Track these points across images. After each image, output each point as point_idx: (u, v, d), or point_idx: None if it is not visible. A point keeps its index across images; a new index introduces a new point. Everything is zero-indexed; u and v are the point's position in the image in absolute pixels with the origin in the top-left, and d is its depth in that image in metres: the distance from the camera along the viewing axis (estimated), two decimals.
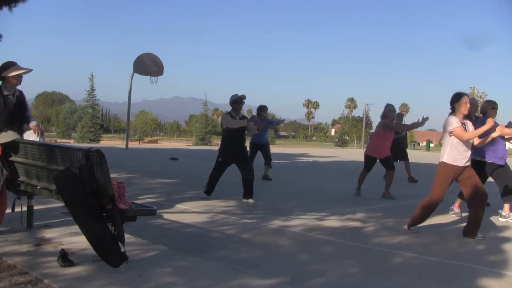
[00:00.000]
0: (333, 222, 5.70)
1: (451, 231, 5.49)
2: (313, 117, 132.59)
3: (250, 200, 6.86)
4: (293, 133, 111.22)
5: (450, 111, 5.24)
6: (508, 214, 6.28)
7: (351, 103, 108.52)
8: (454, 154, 5.05)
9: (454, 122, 5.04)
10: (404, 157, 11.33)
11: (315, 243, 4.63)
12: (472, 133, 5.03)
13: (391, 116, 8.01)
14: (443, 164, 5.12)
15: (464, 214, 6.32)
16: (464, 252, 4.53)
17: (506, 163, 6.37)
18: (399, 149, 11.44)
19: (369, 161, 8.07)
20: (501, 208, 6.55)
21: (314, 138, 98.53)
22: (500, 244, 4.87)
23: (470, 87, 46.16)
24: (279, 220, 5.61)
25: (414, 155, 12.15)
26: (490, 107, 6.39)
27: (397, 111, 12.20)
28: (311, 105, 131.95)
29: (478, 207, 5.03)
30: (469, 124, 5.25)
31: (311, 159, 20.72)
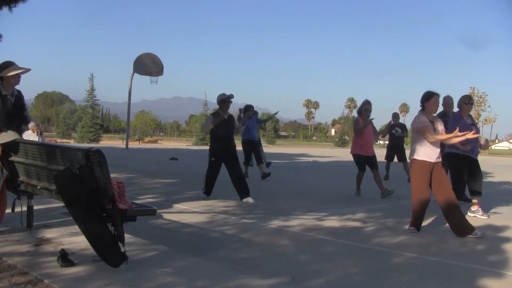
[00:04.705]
0: (333, 222, 5.70)
1: (451, 231, 5.48)
2: (313, 117, 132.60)
3: (250, 199, 6.86)
4: (293, 133, 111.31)
5: (420, 109, 5.35)
6: (477, 209, 6.43)
7: (351, 103, 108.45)
8: (426, 149, 5.17)
9: (422, 121, 5.19)
10: (403, 158, 11.40)
11: (315, 243, 4.63)
12: (436, 137, 5.14)
13: (366, 115, 8.05)
14: (415, 161, 5.23)
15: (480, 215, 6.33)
16: (464, 252, 4.53)
17: (477, 159, 6.60)
18: (397, 148, 11.59)
19: (358, 159, 8.06)
20: (493, 206, 6.66)
21: (314, 138, 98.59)
22: (500, 244, 4.87)
23: (470, 87, 46.23)
24: (279, 220, 5.61)
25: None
26: (465, 102, 6.51)
27: (397, 111, 12.26)
28: (311, 105, 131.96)
29: (451, 207, 5.10)
30: (438, 122, 5.38)
31: (311, 159, 20.73)
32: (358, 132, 8.00)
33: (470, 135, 5.11)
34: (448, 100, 7.34)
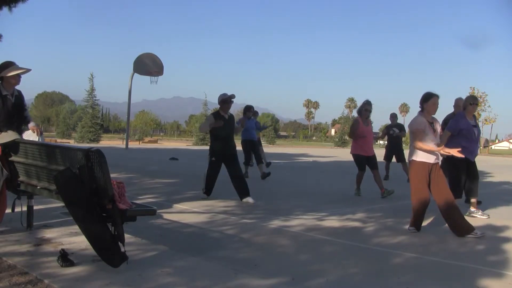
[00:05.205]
0: (333, 222, 5.70)
1: (451, 231, 5.49)
2: (313, 117, 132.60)
3: (250, 199, 6.85)
4: (293, 133, 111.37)
5: (419, 110, 5.36)
6: (475, 210, 6.44)
7: (351, 103, 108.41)
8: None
9: (419, 123, 5.22)
10: (401, 158, 11.41)
11: (315, 243, 4.63)
12: (423, 146, 5.16)
13: (366, 115, 8.06)
14: (414, 163, 5.24)
15: (480, 215, 6.33)
16: (464, 252, 4.53)
17: (475, 161, 6.62)
18: (396, 148, 11.62)
19: (358, 160, 8.06)
20: (493, 206, 6.67)
21: (314, 138, 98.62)
22: (500, 244, 4.87)
23: (470, 87, 46.20)
24: (279, 220, 5.61)
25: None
26: (470, 103, 6.53)
27: (396, 111, 12.30)
28: (311, 105, 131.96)
29: (450, 207, 5.11)
30: (437, 123, 5.42)
31: (311, 159, 20.73)
32: (355, 136, 7.97)
33: (455, 152, 5.19)
34: (459, 102, 7.31)
